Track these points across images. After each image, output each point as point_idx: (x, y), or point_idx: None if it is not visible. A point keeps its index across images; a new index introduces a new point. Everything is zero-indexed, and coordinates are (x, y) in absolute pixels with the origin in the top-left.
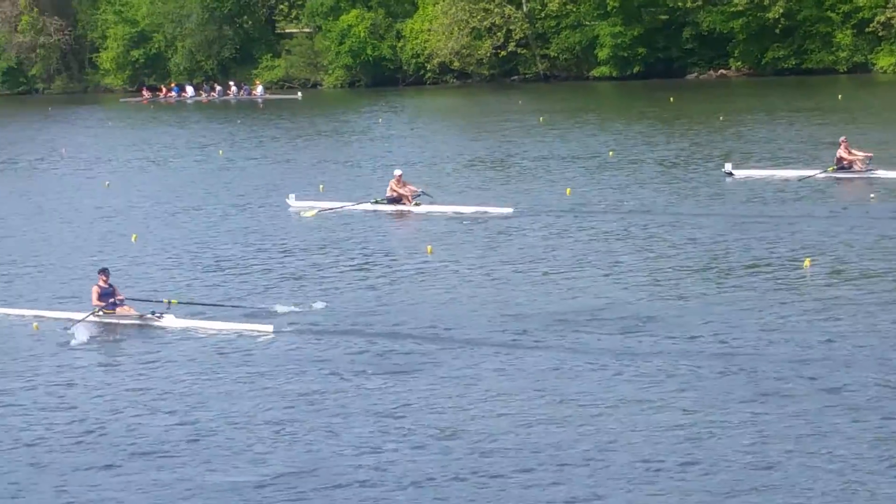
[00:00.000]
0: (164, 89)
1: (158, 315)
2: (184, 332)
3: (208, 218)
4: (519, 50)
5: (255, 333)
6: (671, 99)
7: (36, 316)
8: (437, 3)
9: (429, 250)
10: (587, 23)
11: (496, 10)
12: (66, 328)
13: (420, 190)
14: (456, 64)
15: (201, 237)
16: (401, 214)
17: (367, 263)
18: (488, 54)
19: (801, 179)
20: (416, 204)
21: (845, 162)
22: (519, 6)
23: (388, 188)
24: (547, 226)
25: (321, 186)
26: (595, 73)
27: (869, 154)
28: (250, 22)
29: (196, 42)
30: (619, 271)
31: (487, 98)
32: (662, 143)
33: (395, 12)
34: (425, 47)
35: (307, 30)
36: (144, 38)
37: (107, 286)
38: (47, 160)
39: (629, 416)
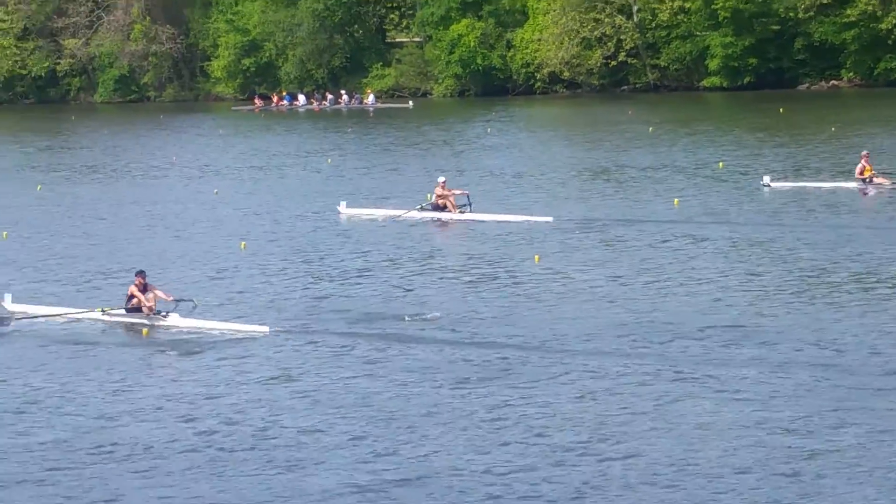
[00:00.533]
0: (276, 98)
1: (164, 315)
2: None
3: (314, 225)
4: (629, 60)
5: (253, 334)
6: (781, 110)
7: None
8: (548, 13)
9: (536, 259)
10: (698, 33)
11: (607, 19)
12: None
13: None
14: (566, 73)
15: (306, 245)
16: (506, 223)
17: (477, 273)
18: (598, 64)
19: None
20: (461, 211)
21: None
22: (629, 16)
23: (434, 195)
24: (654, 236)
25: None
26: (705, 83)
27: None
28: (361, 31)
29: (307, 51)
30: (732, 283)
31: (597, 108)
32: (773, 154)
33: (506, 22)
34: (535, 57)
35: (417, 39)
36: (255, 47)
37: (142, 287)
38: (159, 168)
39: (738, 428)
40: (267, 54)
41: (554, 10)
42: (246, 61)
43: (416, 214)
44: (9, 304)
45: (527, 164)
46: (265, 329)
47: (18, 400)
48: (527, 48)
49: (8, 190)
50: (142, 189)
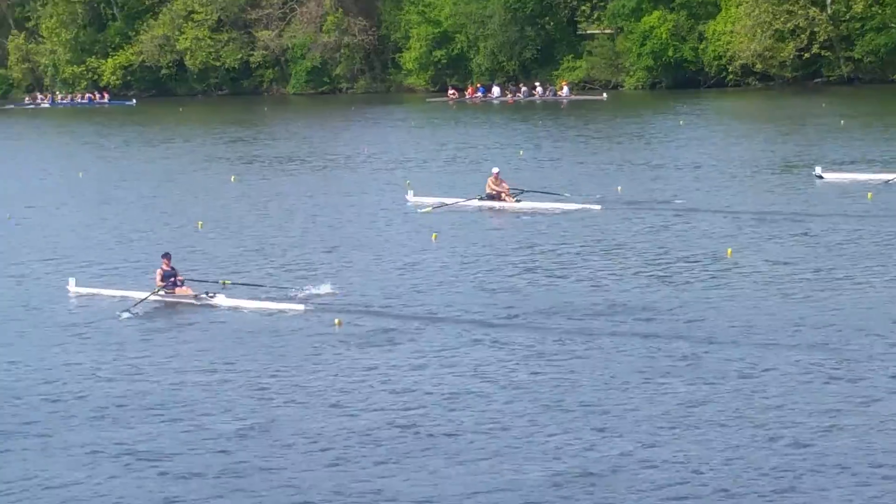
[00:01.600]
0: (470, 89)
1: (211, 295)
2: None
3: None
4: (822, 52)
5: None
6: None
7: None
8: (741, 5)
9: (728, 253)
10: (893, 25)
11: (800, 11)
12: (127, 309)
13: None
14: (758, 66)
15: (495, 238)
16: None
17: (667, 264)
18: (791, 56)
19: None
20: (518, 200)
21: None
22: (823, 8)
23: (486, 186)
24: (843, 229)
25: (619, 188)
26: None
27: None
28: (552, 23)
29: (498, 43)
30: None
31: (790, 101)
32: None
33: (698, 14)
34: (727, 49)
35: (609, 31)
36: (447, 39)
37: (169, 269)
38: (351, 158)
39: None
40: (458, 46)
41: (747, 2)
42: (437, 53)
43: (474, 203)
44: (73, 288)
45: (718, 156)
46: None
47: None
48: (719, 40)
49: (203, 180)
50: (333, 180)
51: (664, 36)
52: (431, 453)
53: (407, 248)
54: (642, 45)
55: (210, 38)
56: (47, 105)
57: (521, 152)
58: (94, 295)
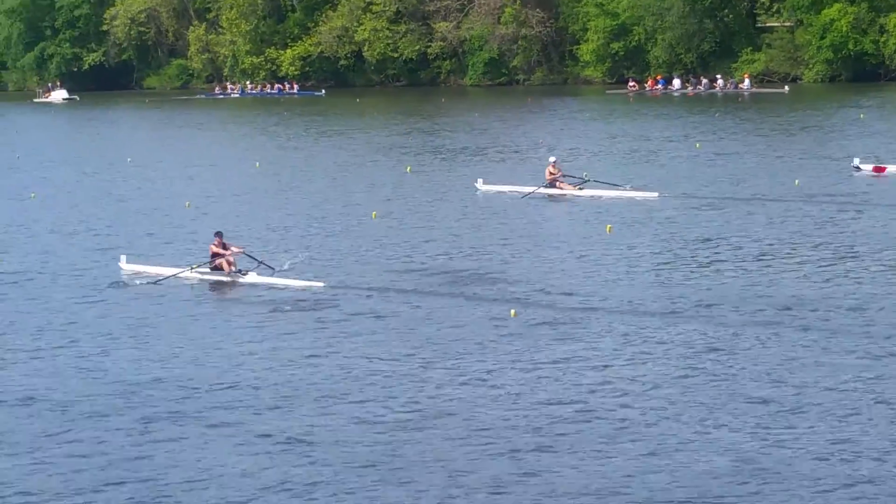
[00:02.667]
0: (650, 81)
1: (244, 272)
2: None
3: (687, 213)
4: None
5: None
6: None
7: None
8: None
9: None
10: None
11: None
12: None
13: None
14: None
15: (671, 228)
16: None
17: (847, 259)
18: None
19: None
20: (580, 188)
21: None
22: None
23: (546, 173)
24: None
25: (797, 181)
26: None
27: None
28: (731, 15)
29: (676, 35)
30: None
31: None
32: None
33: (879, 6)
34: None
35: (788, 24)
36: (624, 31)
37: (220, 247)
38: (529, 150)
39: None
40: (636, 38)
41: None
42: (615, 45)
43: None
44: (125, 265)
45: None
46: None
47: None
48: None
49: (380, 170)
50: (508, 170)
51: (844, 29)
52: (605, 445)
53: (578, 239)
54: (822, 37)
55: (388, 29)
56: (237, 95)
57: (699, 145)
58: (270, 285)
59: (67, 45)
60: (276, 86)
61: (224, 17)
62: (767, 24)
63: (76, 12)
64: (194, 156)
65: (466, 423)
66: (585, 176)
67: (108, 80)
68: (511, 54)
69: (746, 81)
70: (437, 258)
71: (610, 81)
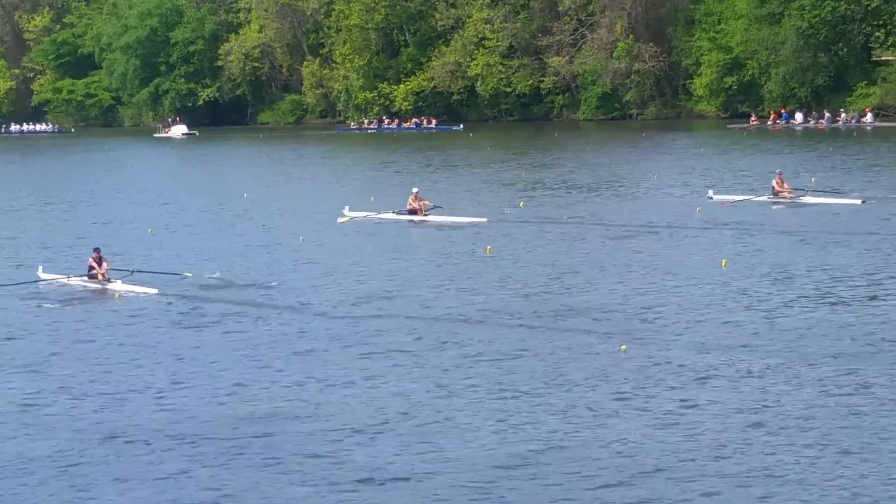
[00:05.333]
0: (772, 115)
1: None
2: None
3: (800, 249)
4: None
5: None
6: None
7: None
8: None
9: None
10: None
11: None
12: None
13: (433, 204)
14: None
15: (795, 268)
16: None
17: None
18: None
19: None
20: (425, 214)
21: None
22: None
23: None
24: None
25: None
26: None
27: None
28: (845, 49)
29: (790, 69)
30: None
31: None
32: None
33: None
34: None
35: None
36: (738, 65)
37: (94, 262)
38: (640, 184)
39: None
40: (749, 72)
41: None
42: (728, 79)
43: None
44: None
45: None
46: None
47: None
48: None
49: (491, 204)
50: (621, 205)
51: None
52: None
53: (694, 271)
54: None
55: (501, 64)
56: (374, 129)
57: (813, 179)
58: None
59: (182, 80)
60: (414, 120)
61: (337, 52)
62: (883, 58)
63: (191, 48)
64: (312, 192)
65: (579, 464)
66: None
67: (222, 116)
68: (624, 89)
69: (869, 115)
70: (549, 292)
71: (723, 116)
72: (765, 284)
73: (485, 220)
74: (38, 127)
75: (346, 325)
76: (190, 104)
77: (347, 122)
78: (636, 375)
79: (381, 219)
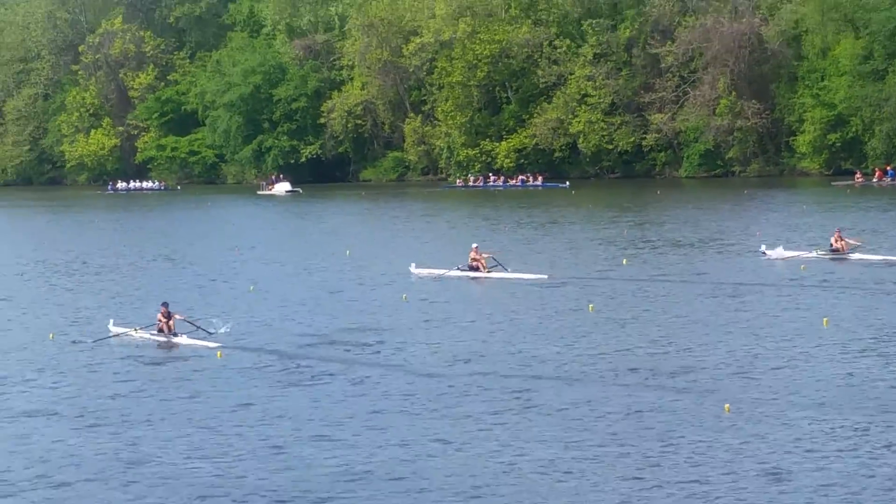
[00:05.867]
0: (878, 172)
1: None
2: None
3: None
4: None
5: None
6: None
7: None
8: None
9: None
10: None
11: None
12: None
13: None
14: None
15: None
16: None
17: None
18: None
19: None
20: (489, 271)
21: None
22: None
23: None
24: None
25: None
26: None
27: None
28: None
29: (894, 125)
30: None
31: None
32: None
33: None
34: None
35: None
36: (842, 122)
37: (163, 317)
38: (742, 243)
39: None
40: (853, 129)
41: None
42: (832, 136)
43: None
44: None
45: None
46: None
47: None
48: None
49: (595, 262)
50: (723, 263)
51: None
52: None
53: (796, 329)
54: None
55: (603, 121)
56: (479, 187)
57: None
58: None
59: (285, 137)
60: (520, 178)
61: (439, 109)
62: None
63: (294, 105)
64: (415, 248)
65: None
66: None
67: (324, 173)
68: (727, 146)
69: None
70: (652, 350)
71: (826, 173)
72: (867, 342)
73: (545, 276)
74: (144, 184)
75: (450, 382)
76: (292, 161)
77: (451, 178)
78: (741, 435)
79: (447, 276)
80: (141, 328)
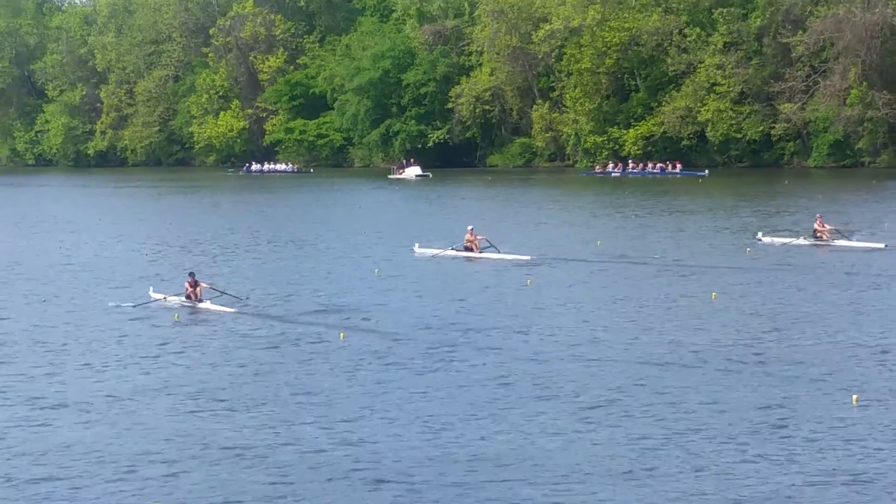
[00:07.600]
0: None
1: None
2: None
3: None
4: None
5: None
6: None
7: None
8: None
9: None
10: None
11: None
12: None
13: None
14: None
15: None
16: None
17: None
18: None
19: None
20: (481, 251)
21: None
22: None
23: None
24: None
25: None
26: None
27: None
28: None
29: None
30: None
31: None
32: None
33: None
34: None
35: None
36: None
37: (189, 286)
38: (867, 232)
39: None
40: None
41: None
42: None
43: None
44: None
45: None
46: None
47: None
48: None
49: (720, 251)
50: (851, 255)
51: None
52: None
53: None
54: None
55: (732, 110)
56: (617, 174)
57: None
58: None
59: (413, 122)
60: (658, 165)
61: (568, 95)
62: None
63: (422, 90)
64: (543, 234)
65: None
66: None
67: (450, 157)
68: (857, 136)
69: None
70: (777, 338)
71: None
72: None
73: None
74: (278, 167)
75: (557, 369)
76: (420, 146)
77: (579, 165)
78: (868, 427)
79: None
80: (173, 296)
